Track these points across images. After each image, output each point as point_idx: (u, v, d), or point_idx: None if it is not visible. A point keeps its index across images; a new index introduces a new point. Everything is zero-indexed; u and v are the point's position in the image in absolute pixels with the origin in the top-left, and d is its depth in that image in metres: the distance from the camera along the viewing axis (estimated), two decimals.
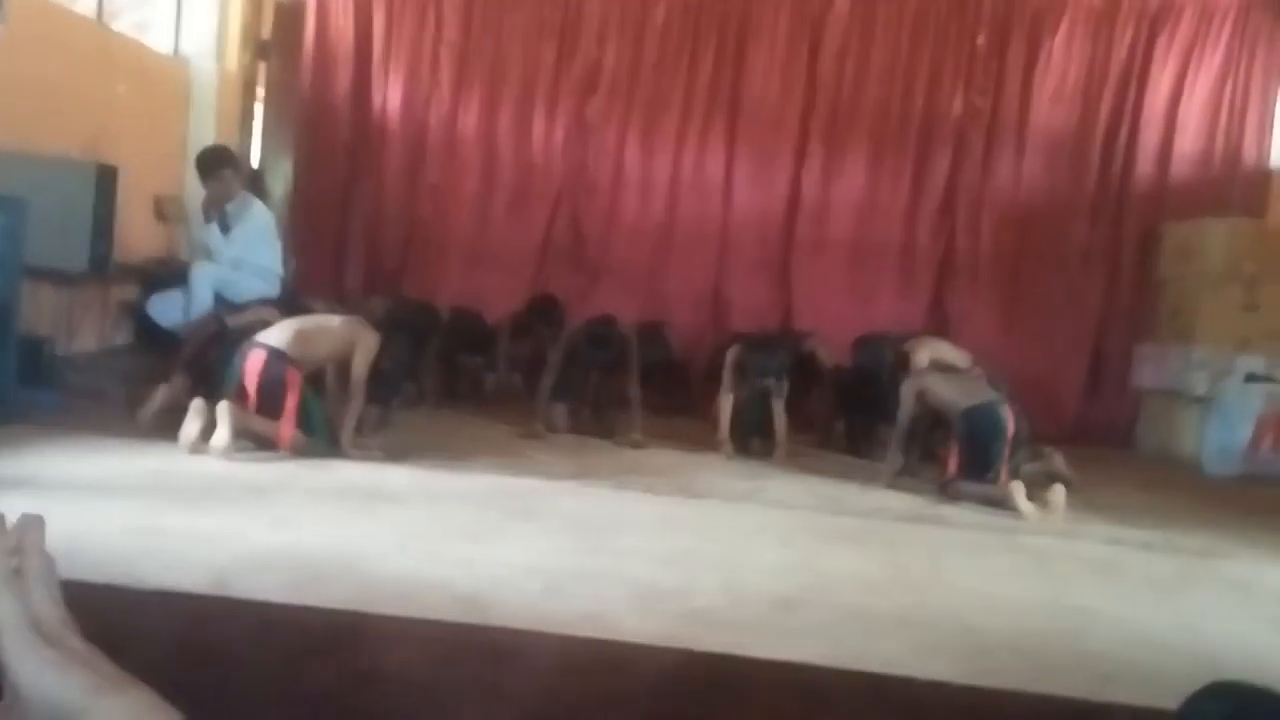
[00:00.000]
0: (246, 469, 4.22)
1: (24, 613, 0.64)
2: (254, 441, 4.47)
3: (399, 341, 4.94)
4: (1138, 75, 7.53)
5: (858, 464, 5.64)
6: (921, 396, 5.23)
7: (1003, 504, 4.73)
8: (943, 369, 5.47)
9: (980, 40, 7.58)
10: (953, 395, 5.13)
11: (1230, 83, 7.52)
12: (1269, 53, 7.50)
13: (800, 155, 7.68)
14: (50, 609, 0.66)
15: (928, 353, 5.80)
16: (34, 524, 0.69)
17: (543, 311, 6.89)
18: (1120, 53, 7.53)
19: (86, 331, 6.35)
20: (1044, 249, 7.59)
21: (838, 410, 6.30)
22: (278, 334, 4.58)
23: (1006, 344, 7.36)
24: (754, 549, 3.77)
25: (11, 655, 0.62)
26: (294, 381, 4.48)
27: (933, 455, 5.39)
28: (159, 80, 7.41)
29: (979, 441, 4.91)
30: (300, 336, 4.59)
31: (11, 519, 0.67)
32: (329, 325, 4.79)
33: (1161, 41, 7.51)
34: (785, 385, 5.65)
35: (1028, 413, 5.29)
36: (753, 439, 5.71)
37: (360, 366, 4.65)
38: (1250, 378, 6.57)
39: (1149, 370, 7.24)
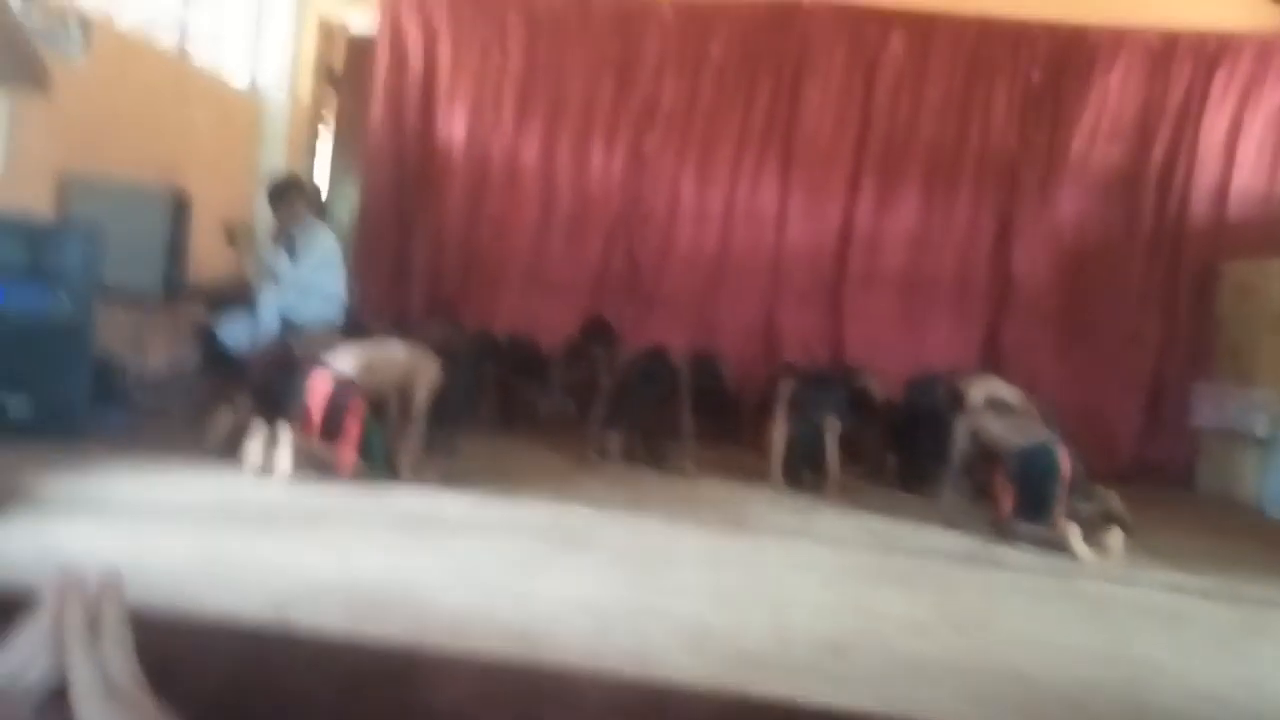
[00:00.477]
0: (306, 494, 4.31)
1: (99, 674, 0.68)
2: (315, 466, 4.56)
3: (461, 371, 5.02)
4: (1195, 112, 7.46)
5: (909, 500, 5.62)
6: (975, 435, 5.20)
7: (1058, 546, 4.69)
8: (997, 407, 5.43)
9: (1035, 77, 7.57)
10: (1007, 435, 5.10)
11: None
12: None
13: (854, 189, 7.73)
14: (124, 668, 0.70)
15: (982, 390, 5.76)
16: (113, 582, 0.73)
17: (596, 334, 7.00)
18: (1177, 90, 7.48)
19: (157, 352, 6.54)
20: (1100, 285, 7.54)
21: (890, 445, 6.27)
22: (345, 360, 4.69)
23: (1061, 380, 7.31)
24: (804, 588, 3.77)
25: (86, 715, 0.66)
26: (357, 408, 4.57)
27: (986, 493, 5.35)
28: (233, 110, 7.65)
29: (1033, 482, 4.87)
30: (367, 364, 4.70)
31: (82, 546, 0.71)
32: (395, 354, 4.89)
33: (1219, 79, 7.44)
34: (839, 422, 5.65)
35: (1083, 451, 5.22)
36: (804, 472, 5.71)
37: (422, 396, 4.75)
38: None
39: (1208, 410, 7.14)
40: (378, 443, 4.68)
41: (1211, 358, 7.27)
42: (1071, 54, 7.54)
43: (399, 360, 4.86)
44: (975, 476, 5.44)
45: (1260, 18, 7.50)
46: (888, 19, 7.66)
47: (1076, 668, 3.19)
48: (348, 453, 4.55)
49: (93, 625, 0.70)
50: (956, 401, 5.66)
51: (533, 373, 6.96)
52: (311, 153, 8.52)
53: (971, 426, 5.22)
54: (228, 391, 5.27)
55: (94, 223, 4.99)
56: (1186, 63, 7.47)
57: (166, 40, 7.19)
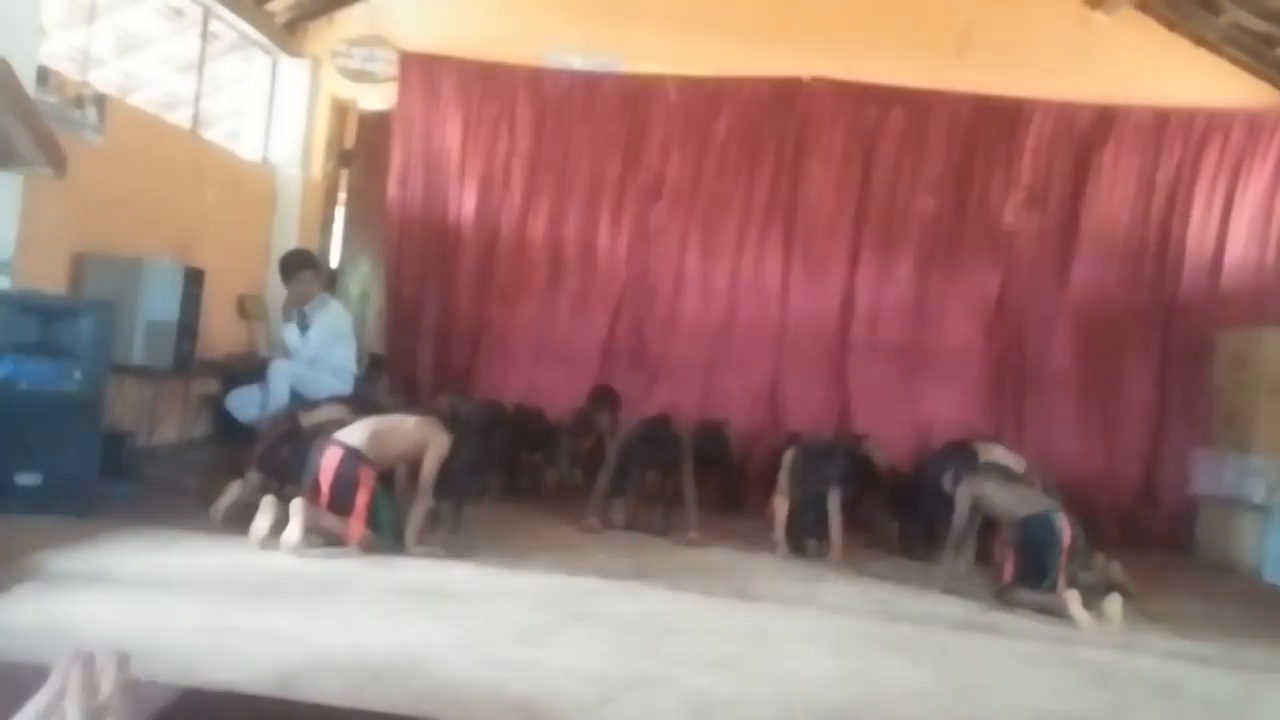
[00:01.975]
0: (314, 566, 4.35)
1: None
2: (323, 537, 4.61)
3: (470, 443, 5.08)
4: (1187, 186, 7.62)
5: (912, 567, 5.64)
6: (977, 502, 5.24)
7: (1058, 613, 4.71)
8: (999, 474, 5.47)
9: (1030, 154, 7.73)
10: (1009, 503, 5.14)
11: None
12: None
13: (854, 261, 7.87)
14: None
15: (985, 458, 5.81)
16: (118, 664, 0.77)
17: (601, 400, 7.09)
18: (1169, 165, 7.64)
19: (168, 425, 6.63)
20: (1097, 355, 7.64)
21: (893, 512, 6.31)
22: (355, 433, 4.76)
23: (1061, 449, 7.40)
24: (807, 657, 3.80)
25: None
26: (367, 479, 4.64)
27: (987, 560, 5.37)
28: (247, 186, 7.83)
29: (1034, 550, 4.91)
30: (376, 436, 4.76)
31: (92, 620, 0.75)
32: (403, 426, 4.95)
33: (1210, 153, 7.61)
34: (840, 490, 5.69)
35: (1083, 518, 5.27)
36: (808, 540, 5.75)
37: (431, 467, 4.80)
38: None
39: (1205, 477, 7.17)
40: (387, 514, 4.74)
41: (1208, 426, 7.33)
42: (1063, 132, 7.72)
43: (407, 430, 4.93)
44: (977, 544, 5.47)
45: (1249, 94, 7.69)
46: (887, 96, 7.85)
47: None
48: (357, 525, 4.60)
49: (95, 699, 0.74)
50: (966, 469, 5.66)
51: (540, 443, 7.03)
52: (325, 228, 8.70)
53: (973, 493, 5.26)
54: (237, 463, 5.35)
55: (105, 301, 5.09)
56: (1178, 138, 7.64)
57: (181, 117, 7.39)
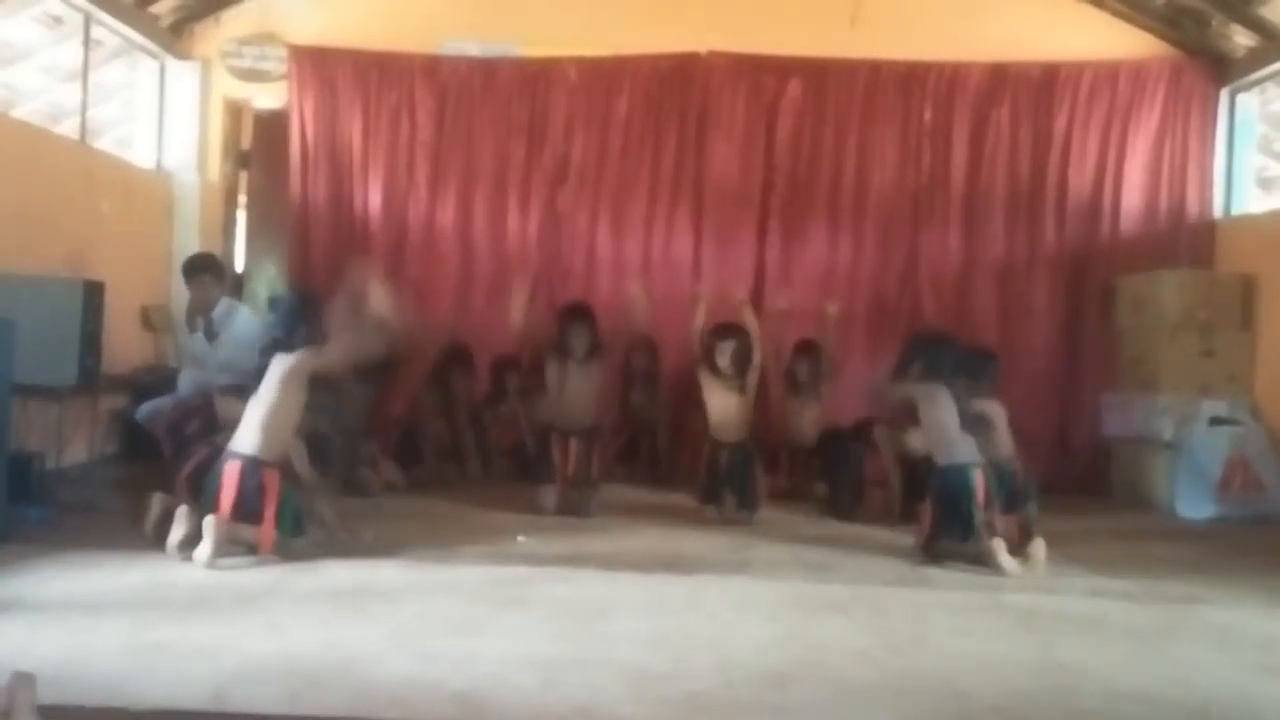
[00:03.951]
0: (239, 576, 4.26)
1: None
2: (245, 547, 4.50)
3: (329, 402, 5.00)
4: (1080, 138, 7.83)
5: (840, 528, 5.75)
6: (908, 405, 5.30)
7: (985, 561, 4.82)
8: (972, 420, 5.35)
9: (927, 115, 7.88)
10: (934, 440, 5.13)
11: (1169, 141, 7.83)
12: (1203, 110, 7.83)
13: (763, 231, 7.92)
14: None
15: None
16: (25, 683, 0.76)
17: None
18: (1062, 119, 7.84)
19: (77, 444, 6.42)
20: (1006, 308, 7.83)
21: (818, 471, 6.42)
22: (247, 437, 4.58)
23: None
24: (744, 624, 3.84)
25: None
26: (272, 485, 4.51)
27: (913, 515, 5.47)
28: (143, 194, 7.60)
29: (950, 500, 4.98)
30: (266, 431, 4.57)
31: (12, 649, 0.74)
32: (284, 401, 4.68)
33: (1099, 105, 7.82)
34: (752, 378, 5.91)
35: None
36: (726, 496, 5.87)
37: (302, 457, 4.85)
38: (1215, 421, 6.73)
39: (1116, 419, 7.41)
40: (292, 512, 4.59)
41: (1115, 369, 7.58)
42: (958, 92, 7.87)
43: (288, 404, 4.68)
44: (901, 494, 5.59)
45: (1133, 45, 7.91)
46: (784, 66, 7.90)
47: (1009, 679, 3.30)
48: (268, 532, 4.48)
49: None
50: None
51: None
52: (227, 232, 8.49)
53: (913, 394, 5.26)
54: (154, 478, 5.20)
55: (3, 317, 4.90)
56: (1067, 92, 7.83)
57: (68, 128, 7.14)
